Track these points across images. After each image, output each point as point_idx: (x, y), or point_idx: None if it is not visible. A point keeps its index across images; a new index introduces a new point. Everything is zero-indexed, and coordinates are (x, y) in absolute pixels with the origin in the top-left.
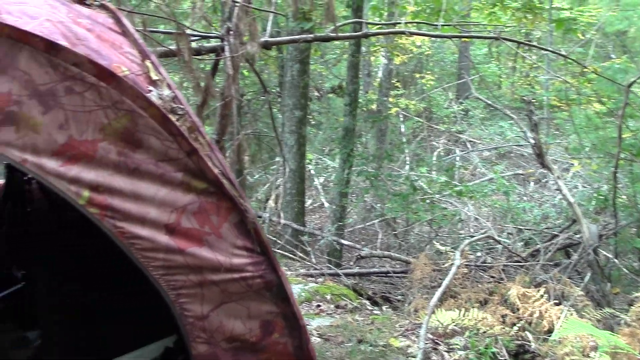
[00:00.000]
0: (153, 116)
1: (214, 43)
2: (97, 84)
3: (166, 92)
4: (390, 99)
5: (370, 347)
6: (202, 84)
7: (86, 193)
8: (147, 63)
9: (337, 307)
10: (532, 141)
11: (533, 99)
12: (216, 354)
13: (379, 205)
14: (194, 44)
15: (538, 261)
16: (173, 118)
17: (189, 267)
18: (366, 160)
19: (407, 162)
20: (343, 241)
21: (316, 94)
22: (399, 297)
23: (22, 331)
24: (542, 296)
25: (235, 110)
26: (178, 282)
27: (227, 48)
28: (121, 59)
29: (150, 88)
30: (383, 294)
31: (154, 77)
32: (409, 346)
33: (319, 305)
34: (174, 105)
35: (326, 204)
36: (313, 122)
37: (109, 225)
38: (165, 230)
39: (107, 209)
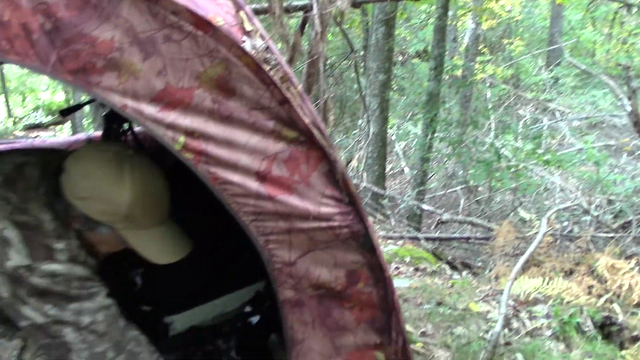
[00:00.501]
0: (247, 65)
1: (302, 1)
2: (194, 33)
3: (259, 42)
4: (477, 65)
5: (450, 310)
6: (290, 42)
7: (182, 139)
8: (241, 14)
9: (416, 269)
10: (629, 109)
11: (630, 67)
12: (302, 299)
13: (461, 172)
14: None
15: (629, 233)
16: (266, 67)
17: (278, 214)
18: (449, 126)
19: (492, 130)
20: (423, 206)
21: (400, 58)
22: (479, 264)
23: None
24: (632, 269)
25: (322, 69)
26: (267, 228)
27: (315, 6)
28: (217, 10)
29: (244, 38)
30: (462, 260)
31: (248, 27)
32: (489, 311)
33: (397, 268)
34: (266, 55)
35: (407, 170)
36: (395, 88)
37: (202, 171)
38: (256, 177)
39: (202, 155)
